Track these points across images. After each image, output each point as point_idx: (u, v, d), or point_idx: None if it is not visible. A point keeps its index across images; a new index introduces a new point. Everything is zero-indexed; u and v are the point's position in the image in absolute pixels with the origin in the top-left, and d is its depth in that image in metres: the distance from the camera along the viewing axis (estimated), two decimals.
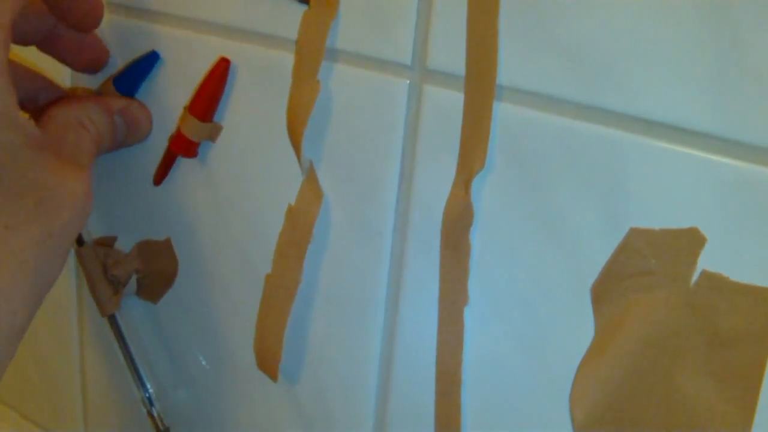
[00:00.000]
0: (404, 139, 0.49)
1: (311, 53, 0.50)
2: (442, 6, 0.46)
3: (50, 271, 0.47)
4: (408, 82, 0.48)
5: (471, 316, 0.49)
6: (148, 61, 0.59)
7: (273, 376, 0.56)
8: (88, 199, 0.49)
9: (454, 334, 0.50)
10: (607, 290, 0.44)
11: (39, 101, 0.58)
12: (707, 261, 0.41)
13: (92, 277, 0.64)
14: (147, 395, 0.65)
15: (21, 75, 0.57)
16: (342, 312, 0.54)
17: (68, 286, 0.72)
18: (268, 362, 0.56)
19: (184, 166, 0.59)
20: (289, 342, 0.56)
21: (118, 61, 0.61)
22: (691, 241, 0.42)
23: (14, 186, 0.45)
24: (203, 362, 0.64)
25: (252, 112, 0.55)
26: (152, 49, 0.59)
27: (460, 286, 0.49)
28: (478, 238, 0.48)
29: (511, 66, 0.44)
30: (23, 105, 0.57)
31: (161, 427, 0.66)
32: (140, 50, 0.59)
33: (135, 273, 0.64)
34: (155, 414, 0.66)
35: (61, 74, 0.64)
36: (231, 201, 0.58)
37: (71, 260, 0.70)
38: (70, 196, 0.48)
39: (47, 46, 0.56)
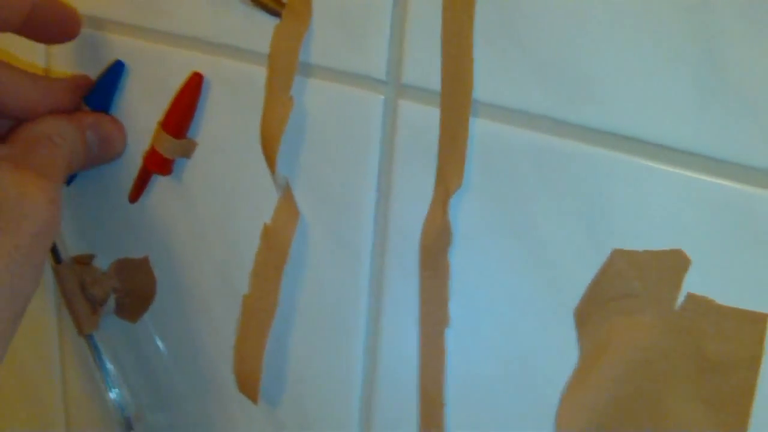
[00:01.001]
0: (380, 156, 0.49)
1: (284, 67, 0.49)
2: (416, 20, 0.45)
3: (23, 285, 0.47)
4: (383, 97, 0.48)
5: (452, 337, 0.48)
6: (115, 72, 0.59)
7: (254, 399, 0.56)
8: (55, 210, 0.48)
9: (436, 356, 0.49)
10: (590, 312, 0.44)
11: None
12: (693, 283, 0.41)
13: (70, 296, 0.64)
14: (125, 417, 0.65)
15: None
16: (322, 333, 0.54)
17: (47, 303, 0.72)
18: (248, 384, 0.56)
19: (159, 182, 0.59)
20: (269, 363, 0.56)
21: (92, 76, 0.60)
22: (676, 262, 0.41)
23: None
24: (181, 383, 0.63)
25: (226, 127, 0.54)
26: (116, 58, 0.58)
27: (440, 307, 0.48)
28: (457, 257, 0.47)
29: (488, 81, 0.44)
30: None
31: None
32: (108, 63, 0.59)
33: (113, 292, 0.64)
34: None
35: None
36: (208, 218, 0.57)
37: (50, 277, 0.70)
38: (34, 207, 0.47)
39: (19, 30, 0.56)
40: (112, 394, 0.65)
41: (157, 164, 0.56)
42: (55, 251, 0.65)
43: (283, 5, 0.49)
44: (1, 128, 0.56)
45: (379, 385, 0.53)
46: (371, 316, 0.52)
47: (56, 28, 0.55)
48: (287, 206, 0.52)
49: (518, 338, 0.46)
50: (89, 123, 0.56)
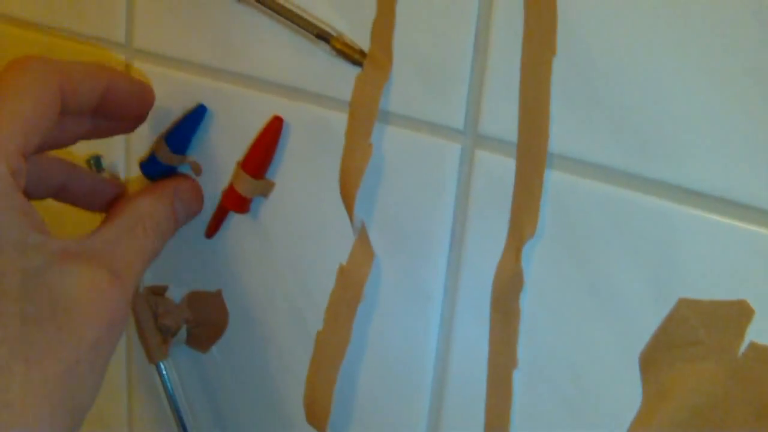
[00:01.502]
0: (455, 203, 0.51)
1: (364, 115, 0.52)
2: (495, 71, 0.48)
3: (82, 397, 0.47)
4: (460, 146, 0.50)
5: (519, 379, 0.51)
6: (197, 115, 0.62)
7: (322, 431, 0.58)
8: (122, 312, 0.49)
9: (503, 397, 0.52)
10: (655, 358, 0.46)
11: (71, 190, 0.60)
12: (755, 332, 0.43)
13: (142, 325, 0.67)
14: None
15: (46, 167, 0.58)
16: (391, 371, 0.57)
17: None
18: (317, 416, 0.58)
19: (236, 220, 0.62)
20: (338, 398, 0.59)
21: (170, 117, 0.64)
22: (740, 312, 0.43)
23: (34, 312, 0.45)
24: (248, 414, 0.66)
25: (304, 170, 0.57)
26: (199, 102, 0.62)
27: (509, 350, 0.51)
28: (527, 303, 0.50)
29: (562, 134, 0.46)
30: (56, 196, 0.60)
31: None
32: (191, 106, 0.62)
33: (185, 322, 0.67)
34: None
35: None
36: (282, 256, 0.60)
37: None
38: (99, 313, 0.47)
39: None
40: (179, 423, 0.68)
41: (234, 202, 0.60)
42: None
43: (364, 55, 0.52)
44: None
45: (444, 426, 0.55)
46: (439, 358, 0.54)
47: (130, 109, 0.58)
48: (363, 248, 0.55)
49: (584, 381, 0.49)
50: (175, 192, 0.60)
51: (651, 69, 0.43)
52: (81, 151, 0.73)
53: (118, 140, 0.70)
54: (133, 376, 0.75)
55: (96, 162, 0.70)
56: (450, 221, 0.52)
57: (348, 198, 0.53)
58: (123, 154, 0.70)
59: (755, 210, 0.42)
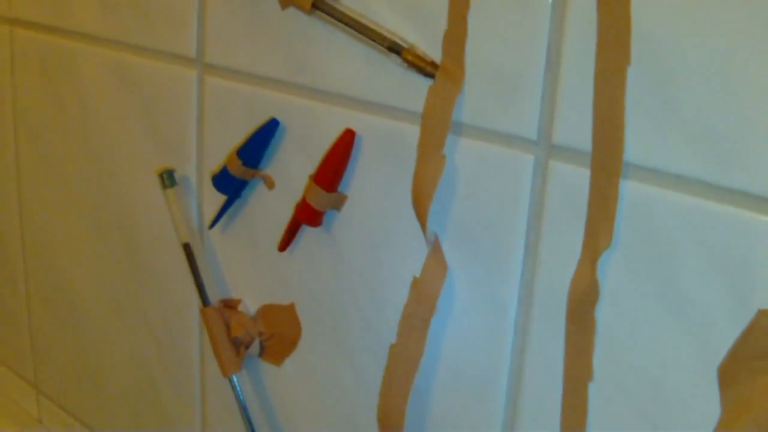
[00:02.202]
0: (529, 214, 0.52)
1: (437, 127, 0.53)
2: (568, 82, 0.49)
3: None
4: (533, 157, 0.51)
5: (595, 391, 0.51)
6: (269, 129, 0.64)
7: None
8: None
9: (579, 409, 0.52)
10: (734, 370, 0.46)
11: None
12: None
13: (216, 338, 0.69)
14: None
15: None
16: (465, 384, 0.57)
17: (191, 345, 0.78)
18: (390, 429, 0.59)
19: (308, 233, 0.64)
20: (411, 410, 0.59)
21: (242, 131, 0.66)
22: None
23: None
24: (321, 425, 0.67)
25: (376, 182, 0.59)
26: (272, 116, 0.63)
27: (585, 361, 0.51)
28: (603, 314, 0.50)
29: (638, 143, 0.47)
30: None
31: None
32: (263, 120, 0.64)
33: (258, 336, 0.68)
34: None
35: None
36: (355, 269, 0.62)
37: (195, 320, 0.75)
38: None
39: None
40: None
41: (307, 216, 0.61)
42: (202, 294, 0.70)
43: (436, 67, 0.53)
44: None
45: None
46: (513, 369, 0.55)
47: None
48: (436, 260, 0.55)
49: (661, 394, 0.49)
50: None
51: (728, 77, 0.43)
52: (153, 165, 0.75)
53: (190, 154, 0.72)
54: (207, 388, 0.77)
55: (169, 176, 0.72)
56: (524, 232, 0.52)
57: (421, 210, 0.54)
58: (195, 167, 0.72)
59: None
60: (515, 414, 0.56)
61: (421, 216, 0.55)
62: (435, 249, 0.56)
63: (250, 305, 0.70)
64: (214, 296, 0.71)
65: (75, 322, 0.94)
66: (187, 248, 0.71)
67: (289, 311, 0.67)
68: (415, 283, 0.57)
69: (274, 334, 0.69)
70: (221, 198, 0.69)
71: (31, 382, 1.07)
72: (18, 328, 1.05)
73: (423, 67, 0.54)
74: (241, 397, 0.70)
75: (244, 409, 0.70)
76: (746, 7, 0.42)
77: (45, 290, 0.98)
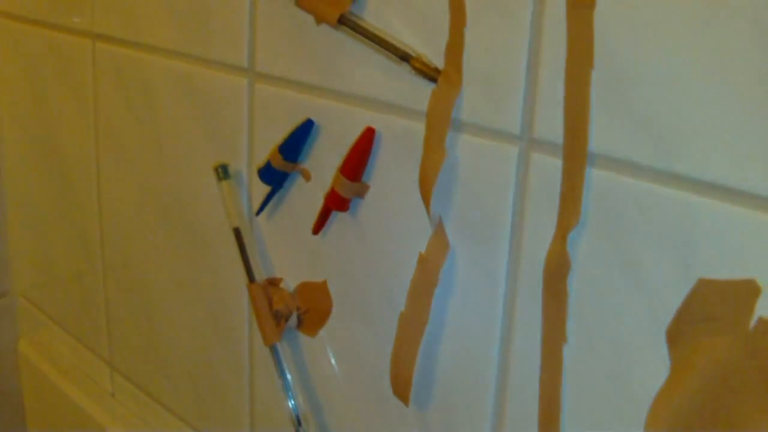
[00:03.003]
0: (514, 198, 0.61)
1: (439, 124, 0.63)
2: (546, 84, 0.58)
3: None
4: (517, 149, 0.60)
5: (569, 353, 0.60)
6: (305, 128, 0.74)
7: (405, 401, 0.69)
8: None
9: (554, 369, 0.60)
10: (679, 332, 0.54)
11: None
12: (764, 309, 0.51)
13: (259, 311, 0.79)
14: (297, 418, 0.79)
15: None
16: (464, 345, 0.66)
17: (241, 318, 0.88)
18: (401, 389, 0.68)
19: (338, 218, 0.74)
20: (419, 371, 0.69)
21: (283, 131, 0.76)
22: (750, 290, 0.51)
23: None
24: (348, 389, 0.77)
25: (394, 173, 0.68)
26: (307, 117, 0.74)
27: (559, 326, 0.59)
28: (574, 283, 0.58)
29: (600, 135, 0.55)
30: None
31: None
32: (300, 120, 0.74)
33: (296, 310, 0.78)
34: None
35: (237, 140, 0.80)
36: (378, 249, 0.72)
37: (245, 296, 0.86)
38: None
39: None
40: (289, 398, 0.80)
41: (336, 203, 0.71)
42: (249, 272, 0.80)
43: (440, 73, 0.63)
44: None
45: (509, 393, 0.64)
46: (504, 332, 0.64)
47: None
48: (439, 238, 0.65)
49: (623, 353, 0.57)
50: None
51: (672, 79, 0.51)
52: (210, 161, 0.86)
53: (242, 150, 0.82)
54: (255, 357, 0.88)
55: (223, 170, 0.82)
56: (510, 214, 0.61)
57: (426, 196, 0.64)
58: (245, 163, 0.83)
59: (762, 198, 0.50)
60: (506, 372, 0.64)
61: (426, 200, 0.64)
62: (438, 228, 0.65)
63: (290, 283, 0.80)
64: (260, 275, 0.81)
65: (145, 302, 1.04)
66: (237, 232, 0.82)
67: (322, 288, 0.77)
68: (421, 258, 0.66)
69: (310, 309, 0.78)
70: (266, 189, 0.80)
71: (106, 359, 1.16)
72: (95, 309, 1.16)
73: (429, 73, 0.63)
74: (280, 363, 0.80)
75: (282, 374, 0.80)
76: (685, 17, 0.50)
77: (119, 274, 1.09)
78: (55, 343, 1.28)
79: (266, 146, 0.79)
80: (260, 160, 0.81)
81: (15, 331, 1.36)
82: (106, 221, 1.09)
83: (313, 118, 0.74)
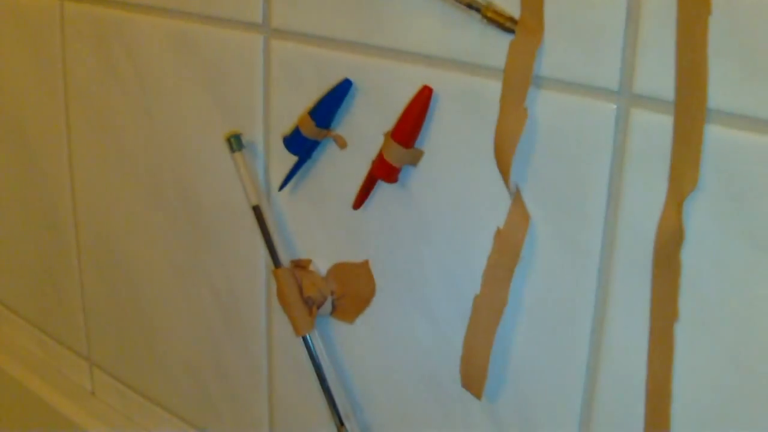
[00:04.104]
0: (611, 162, 0.56)
1: (518, 81, 0.57)
2: (648, 30, 0.52)
3: None
4: (615, 106, 0.55)
5: (681, 331, 0.55)
6: (342, 90, 0.68)
7: (478, 394, 0.63)
8: None
9: (665, 350, 0.56)
10: None
11: None
12: None
13: (288, 299, 0.73)
14: (338, 416, 0.73)
15: None
16: (547, 331, 0.61)
17: (257, 307, 0.82)
18: (473, 380, 0.63)
19: (383, 190, 0.68)
20: (492, 361, 0.63)
21: (315, 92, 0.70)
22: None
23: None
24: (396, 382, 0.71)
25: (454, 137, 0.63)
26: (345, 77, 0.67)
27: (670, 303, 0.55)
28: (688, 256, 0.54)
29: (719, 89, 0.50)
30: None
31: None
32: (335, 81, 0.68)
33: (331, 294, 0.72)
34: None
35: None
36: (434, 224, 0.66)
37: (261, 282, 0.80)
38: None
39: None
40: (328, 396, 0.74)
41: (384, 171, 0.65)
42: (273, 255, 0.74)
43: (515, 22, 0.57)
44: None
45: (602, 380, 0.60)
46: (597, 313, 0.59)
47: None
48: (519, 211, 0.59)
49: (747, 333, 0.52)
50: None
51: None
52: (217, 130, 0.79)
53: (257, 117, 0.75)
54: (274, 352, 0.82)
55: (236, 140, 0.75)
56: (606, 180, 0.56)
57: (504, 163, 0.58)
58: (261, 131, 0.76)
59: None
60: (598, 359, 0.60)
61: (504, 169, 0.58)
62: (517, 200, 0.59)
63: (320, 265, 0.74)
64: (284, 258, 0.75)
65: (131, 290, 0.98)
66: (257, 210, 0.75)
67: (363, 269, 0.71)
68: (499, 234, 0.61)
69: (347, 293, 0.72)
70: (288, 161, 0.73)
71: (84, 354, 1.10)
72: (69, 300, 1.09)
73: (502, 22, 0.57)
74: (315, 356, 0.73)
75: (318, 368, 0.74)
76: None
77: (98, 259, 1.02)
78: (21, 339, 1.22)
79: (286, 112, 0.73)
80: (278, 128, 0.74)
81: None
82: (79, 199, 1.02)
83: (351, 79, 0.67)
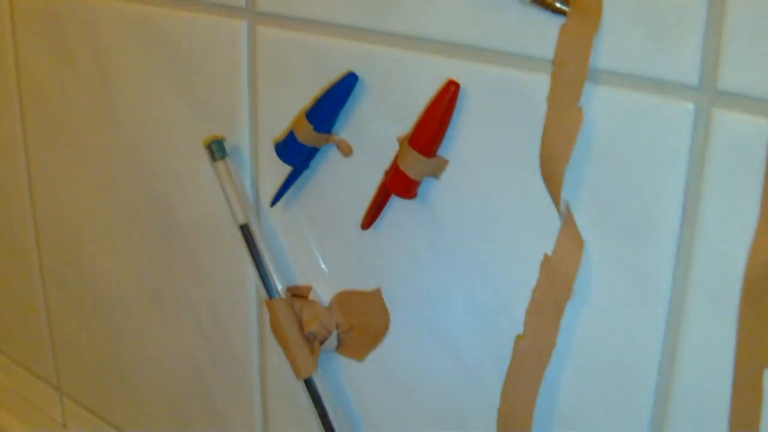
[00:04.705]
0: (687, 173, 0.47)
1: (572, 75, 0.48)
2: (737, 16, 0.43)
3: None
4: (693, 105, 0.46)
5: None
6: (345, 86, 0.58)
7: None
8: None
9: (753, 398, 0.47)
10: None
11: None
12: None
13: (286, 335, 0.64)
14: None
15: None
16: (604, 377, 0.53)
17: (249, 339, 0.73)
18: (515, 430, 0.55)
19: (398, 206, 0.59)
20: (538, 407, 0.55)
21: (311, 88, 0.61)
22: None
23: None
24: (416, 426, 0.63)
25: (486, 143, 0.54)
26: (348, 70, 0.58)
27: (762, 347, 0.46)
28: None
29: None
30: None
31: None
32: (336, 75, 0.59)
33: (336, 328, 0.63)
34: None
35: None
36: (459, 247, 0.57)
37: (252, 311, 0.71)
38: None
39: None
40: None
41: (400, 186, 0.56)
42: (266, 282, 0.65)
43: (567, 2, 0.48)
44: None
45: None
46: (665, 358, 0.50)
47: None
48: (571, 235, 0.50)
49: None
50: None
51: None
52: (195, 134, 0.70)
53: (242, 119, 0.67)
54: (269, 388, 0.73)
55: (218, 147, 0.66)
56: (681, 195, 0.47)
57: (553, 177, 0.49)
58: (248, 134, 0.67)
59: None
60: (665, 411, 0.51)
61: (554, 183, 0.49)
62: (569, 222, 0.50)
63: (322, 293, 0.65)
64: (278, 285, 0.66)
65: (101, 315, 0.90)
66: (245, 230, 0.66)
67: (374, 298, 0.62)
68: (547, 262, 0.51)
69: (355, 326, 0.63)
70: (281, 171, 0.64)
71: (53, 384, 1.04)
72: (35, 325, 1.02)
73: (550, 2, 0.48)
74: (319, 398, 0.65)
75: (322, 414, 0.65)
76: None
77: (64, 281, 0.94)
78: None
79: (277, 112, 0.64)
80: (267, 130, 0.65)
81: None
82: (41, 214, 0.94)
83: (356, 72, 0.58)
